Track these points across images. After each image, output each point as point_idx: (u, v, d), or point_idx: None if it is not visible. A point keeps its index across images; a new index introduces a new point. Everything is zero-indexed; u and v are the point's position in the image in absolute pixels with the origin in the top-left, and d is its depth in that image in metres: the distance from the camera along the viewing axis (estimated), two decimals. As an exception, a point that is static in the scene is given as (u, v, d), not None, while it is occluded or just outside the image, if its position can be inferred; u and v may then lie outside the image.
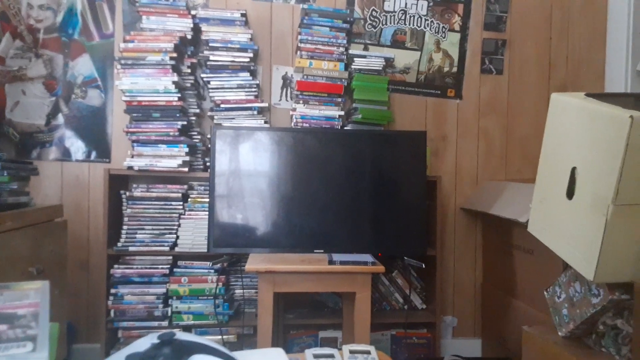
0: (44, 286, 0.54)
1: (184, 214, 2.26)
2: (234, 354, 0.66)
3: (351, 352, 0.77)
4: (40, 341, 0.40)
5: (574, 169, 1.30)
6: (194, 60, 2.36)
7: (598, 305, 1.31)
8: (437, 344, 2.42)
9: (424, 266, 2.18)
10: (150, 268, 2.22)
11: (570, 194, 1.31)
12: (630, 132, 1.09)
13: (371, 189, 2.13)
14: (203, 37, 2.31)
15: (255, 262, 1.85)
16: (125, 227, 2.24)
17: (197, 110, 2.38)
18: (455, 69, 2.65)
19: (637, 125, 1.08)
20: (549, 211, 1.43)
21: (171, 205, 2.26)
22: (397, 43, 2.61)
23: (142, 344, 0.58)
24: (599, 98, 1.30)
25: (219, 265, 2.26)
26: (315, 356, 0.75)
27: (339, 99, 2.35)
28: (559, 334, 1.48)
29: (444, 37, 2.63)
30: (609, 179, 1.15)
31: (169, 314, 2.22)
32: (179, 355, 0.57)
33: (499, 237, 2.40)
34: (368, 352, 0.76)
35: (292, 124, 2.34)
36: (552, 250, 1.41)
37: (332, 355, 0.76)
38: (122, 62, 2.20)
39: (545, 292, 1.55)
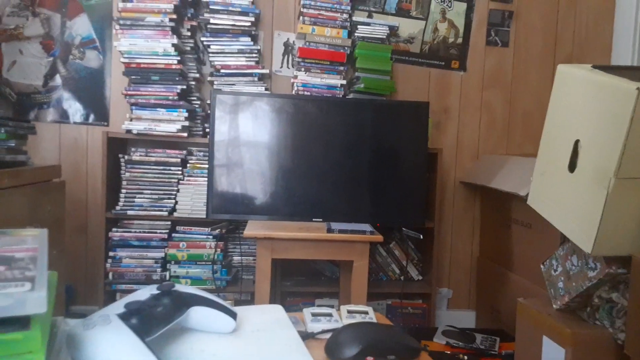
0: (42, 233, 0.54)
1: (183, 180, 2.25)
2: (233, 308, 0.66)
3: (349, 311, 0.77)
4: (38, 282, 0.39)
5: (577, 142, 1.29)
6: (194, 23, 2.31)
7: (594, 278, 1.31)
8: (432, 314, 2.46)
9: (422, 237, 2.19)
10: (148, 232, 2.23)
11: (572, 166, 1.30)
12: (636, 104, 1.08)
13: (371, 159, 2.12)
14: (204, -1, 2.26)
15: (254, 228, 1.86)
16: (123, 190, 2.23)
17: (197, 75, 2.34)
18: (460, 40, 2.60)
19: (644, 97, 1.07)
20: (549, 184, 1.42)
21: (170, 170, 2.25)
22: (402, 11, 2.55)
23: (142, 294, 0.58)
24: (605, 70, 1.28)
25: (217, 231, 2.26)
26: (314, 314, 0.75)
27: (342, 68, 2.32)
28: (554, 306, 1.49)
29: (450, 7, 2.58)
30: (612, 151, 1.14)
31: (167, 278, 2.23)
32: (178, 306, 0.57)
33: (498, 211, 2.40)
34: (366, 312, 0.77)
35: (293, 92, 2.31)
36: (550, 225, 1.41)
37: (330, 314, 0.76)
38: (121, 22, 2.15)
39: (542, 266, 1.56)
